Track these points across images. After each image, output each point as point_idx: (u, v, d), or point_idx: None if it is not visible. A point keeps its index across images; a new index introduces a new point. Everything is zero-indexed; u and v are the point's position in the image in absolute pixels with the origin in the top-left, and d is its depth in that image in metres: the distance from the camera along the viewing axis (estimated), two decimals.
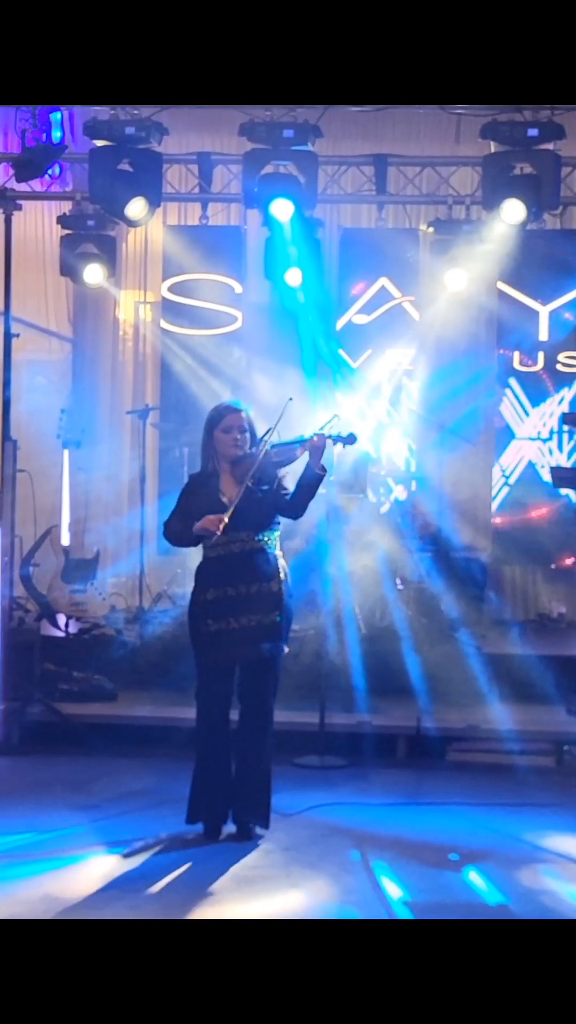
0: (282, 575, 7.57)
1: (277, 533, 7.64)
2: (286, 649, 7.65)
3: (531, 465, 13.35)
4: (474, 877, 7.04)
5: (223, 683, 7.60)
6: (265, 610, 7.49)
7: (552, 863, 7.29)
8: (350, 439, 7.58)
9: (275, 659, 7.57)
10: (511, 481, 13.44)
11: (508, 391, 13.43)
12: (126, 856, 7.26)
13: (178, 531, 7.56)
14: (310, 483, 7.51)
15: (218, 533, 7.33)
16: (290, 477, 7.59)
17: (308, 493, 7.54)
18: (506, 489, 13.47)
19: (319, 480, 7.52)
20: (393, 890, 6.78)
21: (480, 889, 6.85)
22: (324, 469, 7.51)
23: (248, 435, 7.56)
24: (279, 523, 7.66)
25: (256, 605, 7.48)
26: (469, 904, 6.58)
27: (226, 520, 7.31)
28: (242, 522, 7.44)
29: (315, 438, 7.43)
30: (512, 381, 13.45)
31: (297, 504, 7.57)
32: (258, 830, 7.59)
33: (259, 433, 7.57)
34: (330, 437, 7.46)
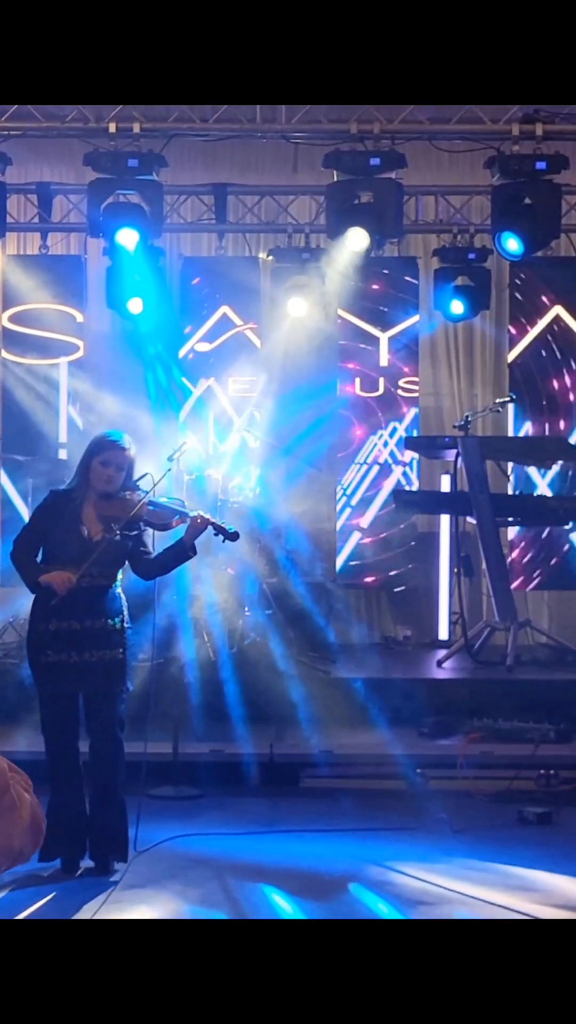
0: (126, 612, 7.51)
1: (121, 570, 7.56)
2: (131, 687, 7.60)
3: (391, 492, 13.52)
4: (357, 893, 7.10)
5: (67, 713, 7.48)
6: (109, 646, 7.39)
7: (412, 886, 7.34)
8: (233, 536, 7.41)
9: (118, 693, 7.49)
10: (353, 503, 13.58)
11: (348, 418, 13.59)
12: None
13: (26, 563, 7.40)
14: (177, 559, 7.44)
15: (62, 594, 7.21)
16: None
17: (170, 567, 7.50)
18: (348, 511, 13.61)
19: (186, 560, 7.47)
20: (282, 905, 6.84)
21: (376, 909, 6.90)
22: (195, 551, 7.42)
23: (124, 474, 7.41)
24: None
25: (100, 640, 7.37)
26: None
27: (74, 581, 7.20)
28: (95, 563, 7.34)
29: (199, 519, 7.30)
30: (352, 407, 13.60)
31: (152, 571, 7.49)
32: (116, 864, 7.51)
33: (135, 474, 7.45)
34: (212, 525, 7.32)
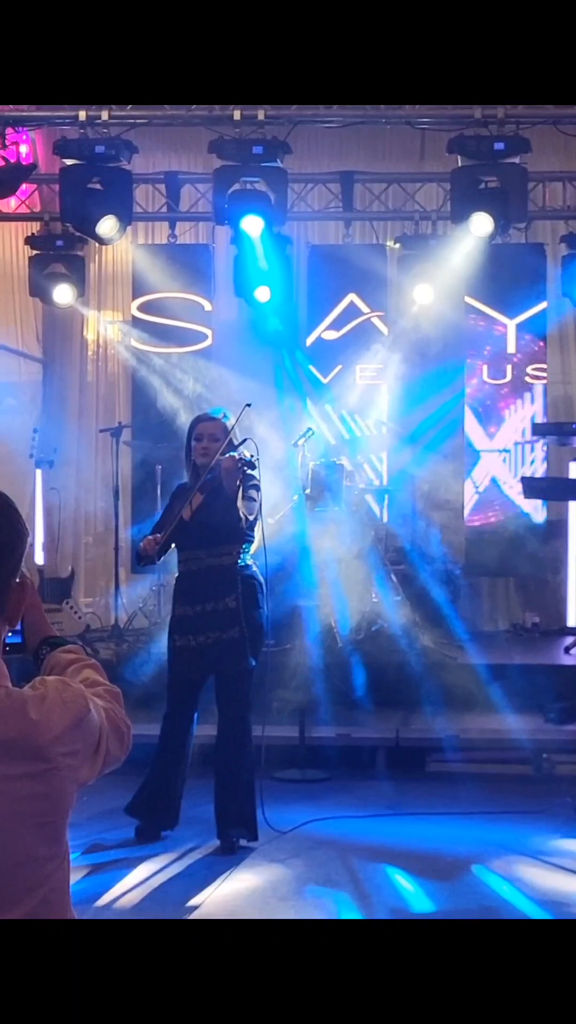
0: (240, 589, 7.53)
1: (242, 547, 7.61)
2: (253, 663, 7.66)
3: (494, 480, 13.47)
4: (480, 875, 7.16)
5: (188, 697, 7.68)
6: (223, 626, 7.52)
7: (536, 869, 7.34)
8: (248, 464, 7.30)
9: (241, 674, 7.59)
10: (480, 489, 13.54)
11: (476, 405, 13.55)
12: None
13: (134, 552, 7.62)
14: (228, 501, 7.41)
15: (152, 554, 7.39)
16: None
17: (235, 510, 7.42)
18: (475, 497, 13.57)
19: (233, 497, 7.36)
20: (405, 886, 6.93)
21: (500, 890, 6.95)
22: (236, 487, 7.32)
23: (220, 443, 7.46)
24: (246, 537, 7.64)
25: (214, 622, 7.53)
26: (486, 907, 6.67)
27: (158, 537, 7.40)
28: (193, 540, 7.51)
29: (225, 459, 7.31)
30: (480, 394, 13.55)
31: (243, 519, 7.48)
32: (244, 843, 7.60)
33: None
34: (242, 461, 7.25)
